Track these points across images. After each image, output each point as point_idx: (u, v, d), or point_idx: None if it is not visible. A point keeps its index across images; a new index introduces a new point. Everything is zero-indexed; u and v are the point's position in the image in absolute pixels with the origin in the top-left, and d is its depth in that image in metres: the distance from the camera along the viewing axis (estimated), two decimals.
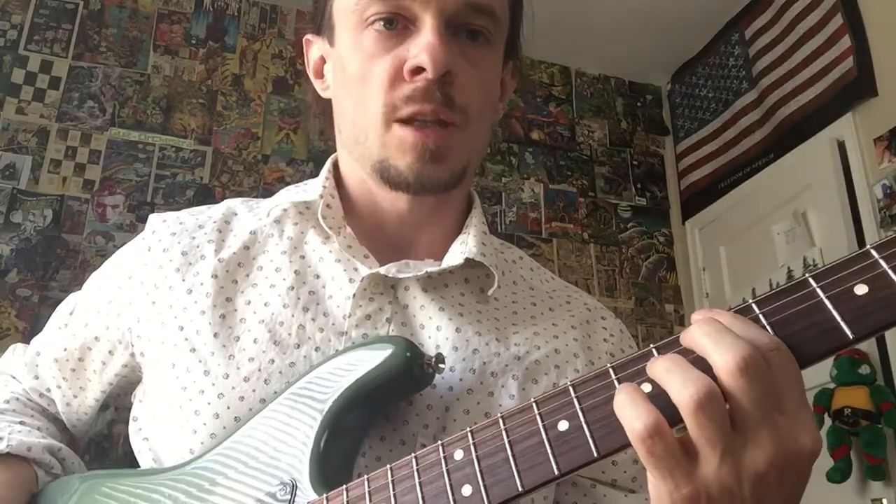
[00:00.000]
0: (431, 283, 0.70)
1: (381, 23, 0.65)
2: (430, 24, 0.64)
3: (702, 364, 0.43)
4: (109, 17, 2.81)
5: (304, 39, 0.78)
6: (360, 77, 0.66)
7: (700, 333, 0.44)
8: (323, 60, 0.76)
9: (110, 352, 0.76)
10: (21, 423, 0.78)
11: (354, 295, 0.68)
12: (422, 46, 0.63)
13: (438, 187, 0.68)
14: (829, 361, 2.17)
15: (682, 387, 0.42)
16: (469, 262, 0.70)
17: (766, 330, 0.44)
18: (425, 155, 0.65)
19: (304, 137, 2.88)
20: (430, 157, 0.65)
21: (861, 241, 2.33)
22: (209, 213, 0.78)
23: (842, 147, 2.47)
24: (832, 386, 2.19)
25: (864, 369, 2.16)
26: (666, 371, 0.44)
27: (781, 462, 0.42)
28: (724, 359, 0.42)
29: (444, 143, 0.65)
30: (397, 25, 0.65)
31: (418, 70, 0.63)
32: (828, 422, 2.19)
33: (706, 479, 0.42)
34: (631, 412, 0.43)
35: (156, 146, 2.70)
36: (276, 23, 3.02)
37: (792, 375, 0.43)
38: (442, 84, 0.64)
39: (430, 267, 0.70)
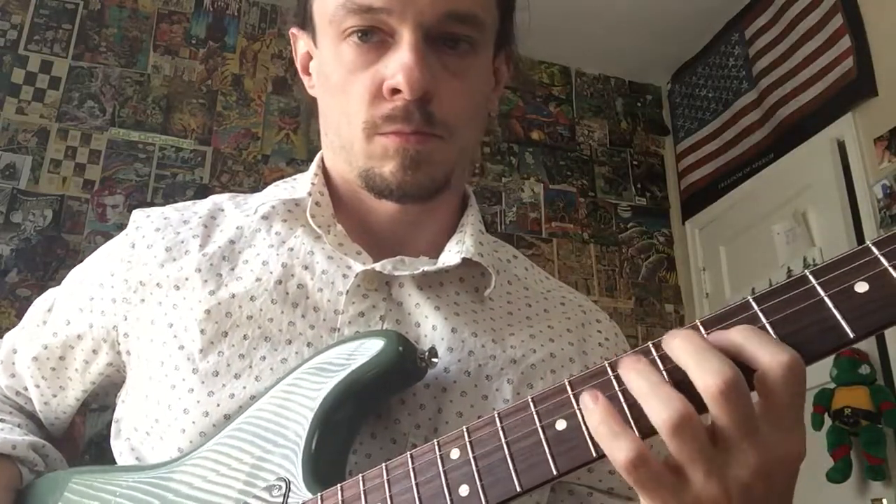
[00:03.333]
0: (426, 281, 0.69)
1: (357, 35, 0.64)
2: (408, 39, 0.62)
3: (679, 374, 0.44)
4: (109, 17, 2.81)
5: (290, 33, 0.76)
6: (342, 89, 0.66)
7: (683, 351, 0.44)
8: (309, 56, 0.75)
9: (94, 350, 0.74)
10: (1, 420, 0.77)
11: (348, 291, 0.67)
12: (398, 67, 0.62)
13: (421, 194, 0.67)
14: (829, 361, 2.16)
15: (657, 409, 0.43)
16: (465, 261, 0.69)
17: (784, 347, 0.42)
18: (406, 160, 0.64)
19: (304, 137, 2.87)
20: (410, 164, 0.64)
21: (861, 241, 2.29)
22: (195, 209, 0.77)
23: (842, 147, 2.47)
24: (832, 386, 2.19)
25: (864, 369, 2.16)
26: (640, 391, 0.44)
27: (768, 471, 0.43)
28: (706, 382, 0.42)
29: (424, 149, 0.64)
30: (374, 38, 0.64)
31: (396, 90, 0.62)
32: (828, 422, 2.19)
33: (694, 496, 0.43)
34: (612, 444, 0.44)
35: (156, 146, 2.70)
36: (276, 23, 3.01)
37: (798, 396, 0.43)
38: (421, 102, 0.63)
39: (426, 265, 0.69)
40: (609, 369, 0.47)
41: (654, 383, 0.44)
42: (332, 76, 0.67)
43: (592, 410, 0.45)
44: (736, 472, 0.43)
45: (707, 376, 0.42)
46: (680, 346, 0.44)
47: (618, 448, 0.43)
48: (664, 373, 0.45)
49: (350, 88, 0.65)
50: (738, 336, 0.44)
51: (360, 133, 0.65)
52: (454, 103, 0.66)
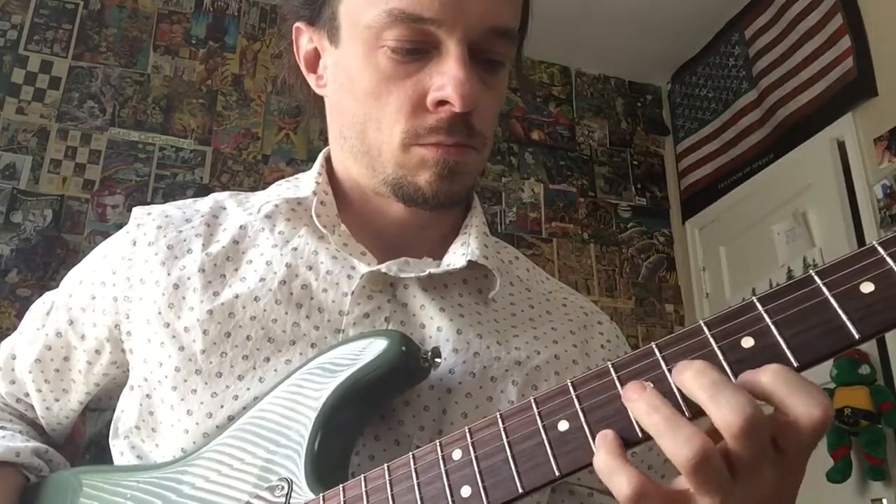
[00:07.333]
0: (431, 283, 0.69)
1: (404, 52, 0.62)
2: (456, 53, 0.61)
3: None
4: (109, 17, 2.81)
5: (294, 27, 0.74)
6: (374, 95, 0.64)
7: (696, 385, 0.42)
8: (317, 53, 0.72)
9: (97, 350, 0.73)
10: (2, 427, 0.76)
11: (353, 292, 0.67)
12: (449, 80, 0.61)
13: (452, 203, 0.68)
14: (829, 361, 2.16)
15: (676, 447, 0.41)
16: (469, 263, 0.69)
17: (818, 400, 0.41)
18: (444, 171, 0.64)
19: (304, 137, 2.87)
20: (448, 174, 0.64)
21: (861, 241, 2.32)
22: (196, 207, 0.76)
23: (842, 147, 2.47)
24: (832, 386, 2.19)
25: (864, 369, 2.16)
26: (656, 427, 0.42)
27: (782, 487, 0.43)
28: (726, 419, 0.40)
29: (461, 160, 0.65)
30: (417, 54, 0.63)
31: (444, 102, 0.62)
32: None
33: None
34: (610, 480, 0.43)
35: (156, 146, 2.70)
36: (276, 23, 3.01)
37: (820, 437, 0.42)
38: (464, 115, 0.63)
39: (432, 267, 0.68)
40: (612, 370, 0.47)
41: (668, 418, 0.42)
42: (359, 80, 0.65)
43: (603, 455, 0.44)
44: (754, 492, 0.42)
45: (727, 413, 0.40)
46: (692, 379, 0.42)
47: (617, 483, 0.42)
48: (679, 400, 0.44)
49: (385, 97, 0.64)
50: (768, 381, 0.41)
51: (395, 142, 0.64)
52: (489, 116, 0.67)
